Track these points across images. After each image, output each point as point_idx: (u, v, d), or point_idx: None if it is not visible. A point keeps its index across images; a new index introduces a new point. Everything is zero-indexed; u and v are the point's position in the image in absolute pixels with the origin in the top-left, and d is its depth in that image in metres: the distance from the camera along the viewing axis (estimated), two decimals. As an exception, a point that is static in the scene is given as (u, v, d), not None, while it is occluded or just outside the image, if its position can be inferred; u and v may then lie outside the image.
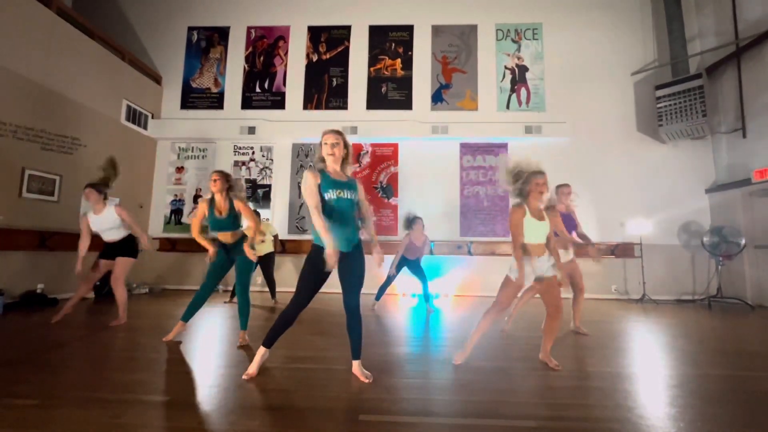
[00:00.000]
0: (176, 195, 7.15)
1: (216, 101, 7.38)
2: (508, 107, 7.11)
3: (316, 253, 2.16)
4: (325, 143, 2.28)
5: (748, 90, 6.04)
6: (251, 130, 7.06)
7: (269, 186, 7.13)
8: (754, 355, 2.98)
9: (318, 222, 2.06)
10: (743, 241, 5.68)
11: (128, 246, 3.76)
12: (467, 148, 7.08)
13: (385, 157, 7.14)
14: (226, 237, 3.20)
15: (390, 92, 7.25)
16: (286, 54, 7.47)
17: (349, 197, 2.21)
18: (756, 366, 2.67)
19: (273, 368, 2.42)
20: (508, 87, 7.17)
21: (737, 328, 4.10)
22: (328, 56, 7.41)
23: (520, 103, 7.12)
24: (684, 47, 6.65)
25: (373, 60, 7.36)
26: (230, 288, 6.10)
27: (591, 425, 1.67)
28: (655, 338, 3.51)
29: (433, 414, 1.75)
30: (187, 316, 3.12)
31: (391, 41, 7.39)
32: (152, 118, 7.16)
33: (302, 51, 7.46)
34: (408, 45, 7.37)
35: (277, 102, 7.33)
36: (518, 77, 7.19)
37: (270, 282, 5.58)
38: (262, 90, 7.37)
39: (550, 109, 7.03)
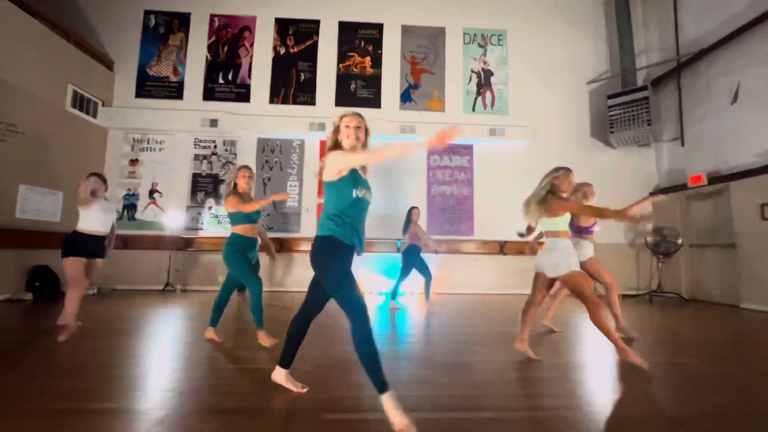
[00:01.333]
0: (129, 189, 6.71)
1: (175, 91, 6.99)
2: (473, 110, 7.31)
3: (338, 247, 1.74)
4: (347, 126, 1.87)
5: (686, 103, 6.62)
6: (213, 123, 6.76)
7: (232, 181, 6.87)
8: (688, 343, 3.29)
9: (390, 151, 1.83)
10: (680, 241, 6.23)
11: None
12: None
13: (353, 154, 7.10)
14: (248, 230, 3.05)
15: (359, 90, 7.22)
16: (251, 45, 7.22)
17: (369, 201, 1.88)
18: (690, 353, 2.95)
19: (231, 370, 2.34)
20: (474, 90, 7.38)
21: (674, 320, 4.50)
22: (296, 50, 7.25)
23: (485, 106, 7.35)
24: (633, 60, 7.16)
25: (342, 57, 7.29)
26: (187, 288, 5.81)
27: (544, 413, 1.77)
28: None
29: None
30: (215, 320, 3.02)
31: (361, 39, 7.36)
32: (102, 105, 6.66)
33: (269, 43, 7.24)
34: (377, 43, 7.37)
35: (242, 95, 7.07)
36: (484, 81, 7.41)
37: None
38: (226, 81, 7.08)
39: (512, 113, 7.31)
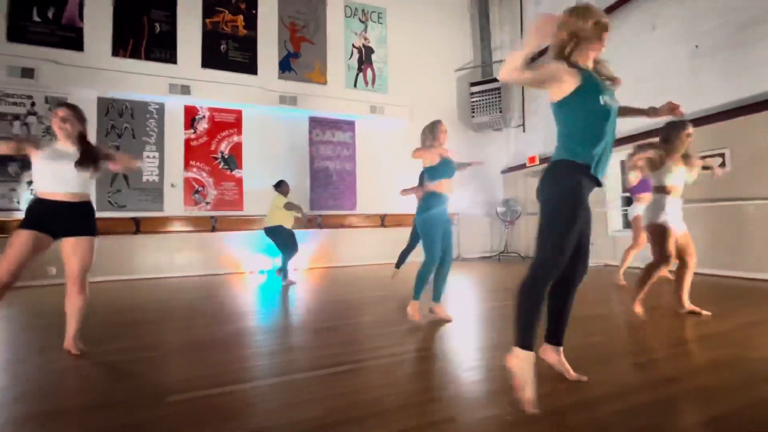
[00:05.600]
0: None
1: (-42, 23, 5.14)
2: (355, 85, 7.39)
3: (569, 171, 1.49)
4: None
5: (527, 96, 7.96)
6: (27, 73, 5.25)
7: (63, 150, 5.53)
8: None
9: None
10: (520, 210, 7.63)
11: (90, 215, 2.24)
12: (316, 122, 7.09)
13: (226, 124, 6.48)
14: (449, 186, 2.80)
15: (231, 52, 6.52)
16: (81, -22, 5.75)
17: (615, 106, 1.55)
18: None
19: (61, 370, 1.98)
20: (355, 65, 7.43)
21: (512, 273, 5.56)
22: (147, -6, 6.07)
23: (366, 82, 7.49)
24: (490, 54, 8.20)
25: (209, 10, 6.42)
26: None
27: (393, 359, 2.02)
28: (458, 285, 4.43)
29: (255, 378, 1.79)
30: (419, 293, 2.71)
31: (232, -7, 6.58)
32: None
33: (108, -21, 5.88)
34: (252, 1, 6.71)
35: (71, 40, 5.64)
36: (365, 57, 7.52)
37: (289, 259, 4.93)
38: (44, 20, 5.52)
39: (391, 91, 7.64)
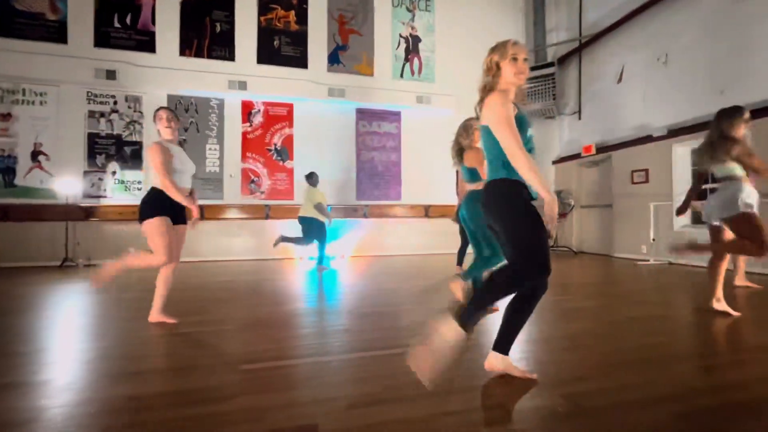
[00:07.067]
0: (3, 150, 5.65)
1: (56, 32, 5.86)
2: (402, 76, 7.38)
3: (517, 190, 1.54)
4: (514, 58, 1.57)
5: (584, 80, 7.46)
6: (110, 75, 5.88)
7: (139, 143, 6.16)
8: (568, 285, 3.98)
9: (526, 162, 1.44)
10: (573, 203, 7.24)
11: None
12: (363, 114, 7.20)
13: (279, 117, 6.80)
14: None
15: (283, 47, 6.80)
16: (153, -15, 6.27)
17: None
18: (568, 293, 3.58)
19: (150, 336, 2.28)
20: (402, 55, 7.41)
21: (563, 268, 5.34)
22: (209, -5, 6.49)
23: (413, 72, 7.46)
24: (544, 37, 7.77)
25: (263, 8, 6.72)
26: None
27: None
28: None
29: (314, 355, 1.94)
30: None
31: (284, -10, 6.83)
32: (-48, 44, 5.36)
33: (175, -16, 6.36)
34: (302, -3, 6.91)
35: (145, 43, 6.20)
36: (411, 47, 7.47)
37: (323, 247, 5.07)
38: (123, 26, 6.11)
39: (438, 81, 7.54)
